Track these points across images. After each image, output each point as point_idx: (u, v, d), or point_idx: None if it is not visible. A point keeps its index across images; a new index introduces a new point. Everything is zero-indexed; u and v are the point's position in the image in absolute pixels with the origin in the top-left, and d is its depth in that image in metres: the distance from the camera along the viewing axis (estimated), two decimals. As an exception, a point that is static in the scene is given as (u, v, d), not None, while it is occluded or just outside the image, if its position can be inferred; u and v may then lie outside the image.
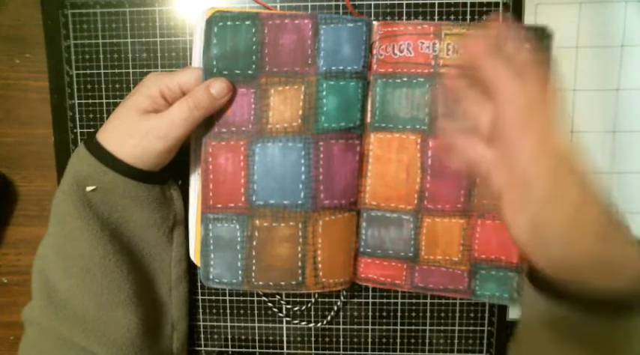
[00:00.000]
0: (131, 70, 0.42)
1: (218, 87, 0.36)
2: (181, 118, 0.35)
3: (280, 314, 0.44)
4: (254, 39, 0.36)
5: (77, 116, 0.43)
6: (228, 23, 0.36)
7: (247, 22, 0.36)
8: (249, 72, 0.36)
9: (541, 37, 0.36)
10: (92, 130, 0.43)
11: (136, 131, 0.35)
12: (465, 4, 0.40)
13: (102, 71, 0.43)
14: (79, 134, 0.43)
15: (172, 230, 0.40)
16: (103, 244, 0.35)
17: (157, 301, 0.40)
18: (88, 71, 0.43)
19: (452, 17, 0.40)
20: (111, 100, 0.43)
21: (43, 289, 0.36)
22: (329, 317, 0.44)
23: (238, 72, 0.37)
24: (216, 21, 0.36)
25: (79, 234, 0.35)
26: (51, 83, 0.43)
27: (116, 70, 0.42)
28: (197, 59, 0.38)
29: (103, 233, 0.35)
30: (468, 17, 0.39)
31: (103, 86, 0.43)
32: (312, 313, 0.44)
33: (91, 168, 0.35)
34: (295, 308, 0.44)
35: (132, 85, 0.42)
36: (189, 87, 0.36)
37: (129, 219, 0.37)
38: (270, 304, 0.44)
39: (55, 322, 0.35)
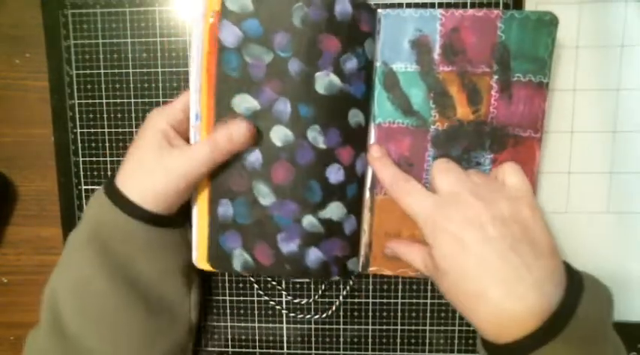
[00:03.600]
0: (131, 70, 0.42)
1: (240, 131, 0.35)
2: (202, 160, 0.35)
3: (278, 307, 0.44)
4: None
5: (77, 116, 0.43)
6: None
7: None
8: None
9: (544, 24, 0.36)
10: (92, 130, 0.43)
11: (155, 169, 0.35)
12: (465, 4, 0.40)
13: (102, 71, 0.43)
14: (78, 134, 0.43)
15: (190, 273, 0.40)
16: (119, 292, 0.35)
17: (177, 346, 0.39)
18: (88, 71, 0.43)
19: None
20: (111, 100, 0.43)
21: (53, 322, 0.35)
22: (329, 312, 0.44)
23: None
24: None
25: (97, 279, 0.35)
26: (51, 83, 0.43)
27: (116, 70, 0.42)
28: (195, 60, 0.36)
29: (121, 281, 0.35)
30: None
31: (103, 86, 0.43)
32: (312, 309, 0.44)
33: (112, 217, 0.35)
34: (295, 301, 0.44)
35: (132, 85, 0.42)
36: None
37: (148, 266, 0.36)
38: (272, 302, 0.44)
39: None
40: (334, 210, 0.37)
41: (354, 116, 0.37)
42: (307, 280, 0.44)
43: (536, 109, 0.37)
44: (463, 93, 0.37)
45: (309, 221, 0.37)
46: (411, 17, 0.37)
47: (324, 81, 0.36)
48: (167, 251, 0.37)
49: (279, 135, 0.36)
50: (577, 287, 0.30)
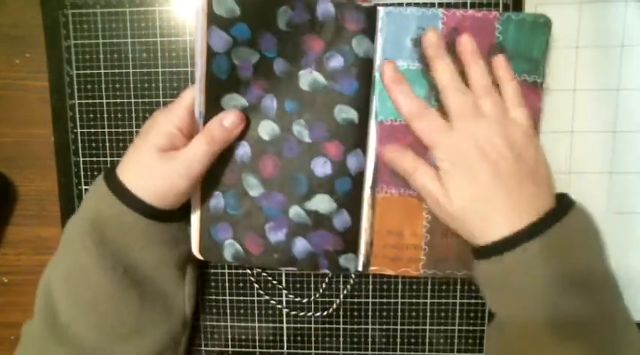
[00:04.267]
0: (131, 70, 0.42)
1: (231, 119, 0.36)
2: (200, 154, 0.35)
3: (279, 306, 0.44)
4: None
5: (77, 116, 0.43)
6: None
7: None
8: None
9: (539, 25, 0.37)
10: (92, 130, 0.43)
11: (157, 172, 0.35)
12: (465, 4, 0.40)
13: (102, 71, 0.43)
14: (79, 134, 0.43)
15: (185, 266, 0.40)
16: (114, 281, 0.35)
17: (171, 338, 0.39)
18: (88, 71, 0.43)
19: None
20: (111, 100, 0.43)
21: (46, 311, 0.36)
22: (330, 310, 0.44)
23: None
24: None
25: (93, 269, 0.35)
26: (51, 83, 0.43)
27: (116, 70, 0.42)
28: (199, 62, 0.36)
29: (115, 270, 0.35)
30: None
31: (103, 86, 0.43)
32: (312, 308, 0.44)
33: (113, 209, 0.35)
34: (296, 300, 0.44)
35: (132, 85, 0.42)
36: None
37: (145, 258, 0.37)
38: (272, 301, 0.44)
39: (54, 345, 0.35)
40: (320, 203, 0.38)
41: (342, 112, 0.38)
42: (306, 277, 0.44)
43: (532, 109, 0.37)
44: None
45: (295, 211, 0.39)
46: (413, 15, 0.37)
47: (308, 78, 0.38)
48: (165, 243, 0.38)
49: (267, 129, 0.38)
50: (564, 208, 0.33)
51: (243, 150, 0.38)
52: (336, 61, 0.37)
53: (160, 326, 0.38)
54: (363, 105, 0.38)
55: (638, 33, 0.39)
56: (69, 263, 0.36)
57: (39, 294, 0.37)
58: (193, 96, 0.36)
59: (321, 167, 0.38)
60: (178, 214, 0.38)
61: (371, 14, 0.37)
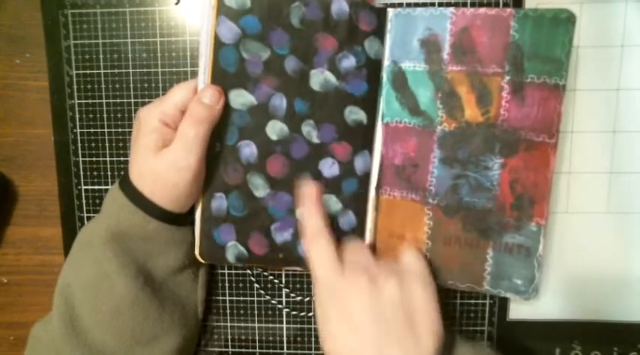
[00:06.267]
0: (131, 70, 0.42)
1: (209, 94, 0.35)
2: (190, 139, 0.34)
3: (280, 306, 0.44)
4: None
5: (77, 116, 0.43)
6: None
7: None
8: None
9: (561, 22, 0.34)
10: (92, 130, 0.43)
11: (158, 173, 0.34)
12: (465, 4, 0.40)
13: (102, 71, 0.43)
14: (78, 134, 0.43)
15: (198, 270, 0.41)
16: (136, 290, 0.35)
17: (186, 341, 0.40)
18: (88, 71, 0.43)
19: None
20: (111, 100, 0.43)
21: (66, 316, 0.36)
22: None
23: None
24: None
25: (116, 278, 0.35)
26: (51, 83, 0.43)
27: (116, 70, 0.42)
28: (204, 55, 0.36)
29: (137, 279, 0.36)
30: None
31: (103, 86, 0.43)
32: (313, 308, 0.44)
33: (135, 218, 0.35)
34: (297, 299, 0.44)
35: (132, 85, 0.42)
36: (187, 102, 0.35)
37: (163, 264, 0.37)
38: (274, 302, 0.44)
39: (72, 347, 0.35)
40: (327, 203, 0.38)
41: (352, 113, 0.37)
42: (307, 277, 0.44)
43: (551, 113, 0.35)
44: (472, 93, 0.36)
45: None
46: (421, 16, 0.36)
47: (319, 78, 0.37)
48: (181, 248, 0.38)
49: (275, 129, 0.37)
50: None
51: (250, 151, 0.37)
52: (348, 62, 0.37)
53: (177, 330, 0.39)
54: (371, 106, 0.38)
55: (638, 33, 0.39)
56: (92, 271, 0.36)
57: (57, 298, 0.36)
58: (182, 94, 0.35)
59: (329, 168, 0.38)
60: (190, 218, 0.38)
61: (382, 15, 0.37)
